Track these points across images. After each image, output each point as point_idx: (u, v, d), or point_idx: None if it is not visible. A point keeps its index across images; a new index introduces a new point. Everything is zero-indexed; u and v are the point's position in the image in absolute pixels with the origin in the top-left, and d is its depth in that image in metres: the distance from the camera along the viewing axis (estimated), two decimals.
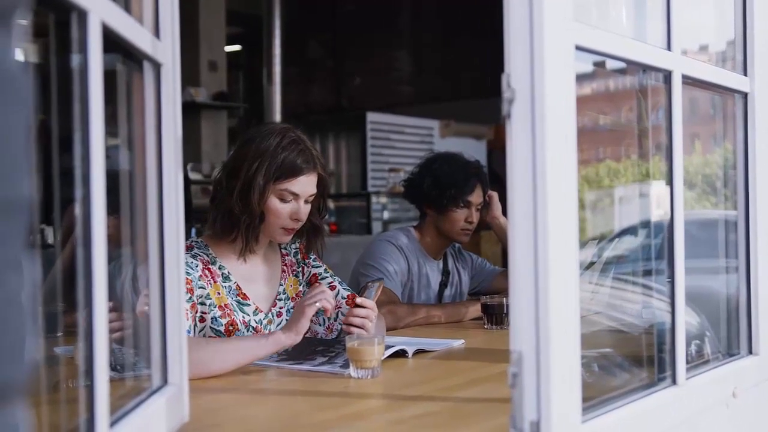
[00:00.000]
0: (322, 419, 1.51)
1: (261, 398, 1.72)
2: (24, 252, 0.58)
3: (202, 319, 2.10)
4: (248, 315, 2.18)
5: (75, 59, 1.00)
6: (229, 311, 2.14)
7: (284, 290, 2.30)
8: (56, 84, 1.06)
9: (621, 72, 1.71)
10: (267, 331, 2.19)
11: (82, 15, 0.98)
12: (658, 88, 1.62)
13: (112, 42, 1.10)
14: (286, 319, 2.24)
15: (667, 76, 1.50)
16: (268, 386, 1.77)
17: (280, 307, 2.28)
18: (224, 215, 2.16)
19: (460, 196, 2.92)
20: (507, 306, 2.59)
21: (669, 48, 1.50)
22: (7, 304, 0.55)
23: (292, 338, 1.92)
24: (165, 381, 1.36)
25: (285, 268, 2.33)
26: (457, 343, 2.30)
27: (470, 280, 3.18)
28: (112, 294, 1.07)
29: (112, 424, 1.08)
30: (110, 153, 1.09)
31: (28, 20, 0.64)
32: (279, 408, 1.65)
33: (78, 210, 1.00)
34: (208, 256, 2.18)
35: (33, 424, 0.63)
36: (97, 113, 1.01)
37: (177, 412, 1.37)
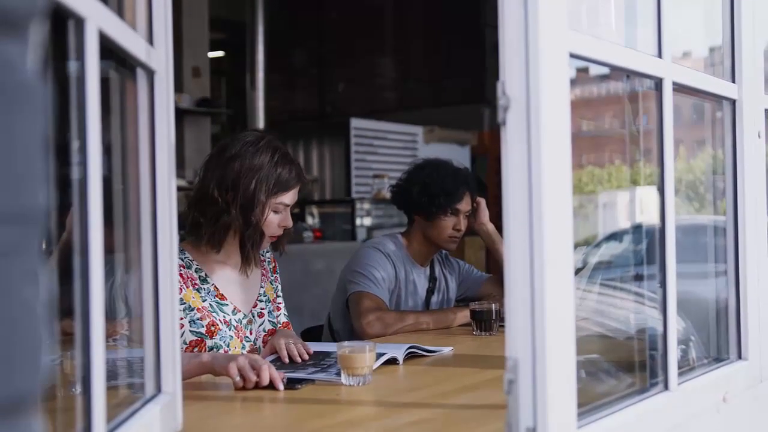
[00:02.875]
0: (316, 427, 1.51)
1: (254, 406, 1.71)
2: (39, 262, 0.57)
3: (180, 326, 2.11)
4: (228, 314, 2.22)
5: (71, 66, 1.00)
6: (207, 313, 2.18)
7: (264, 292, 2.37)
8: (51, 90, 1.06)
9: (605, 78, 1.72)
10: (248, 332, 2.26)
11: (80, 22, 0.98)
12: (642, 94, 1.63)
13: (106, 49, 1.09)
14: (268, 320, 2.33)
15: (658, 83, 1.50)
16: (260, 394, 1.76)
17: (261, 308, 2.34)
18: (222, 230, 2.19)
19: (449, 204, 2.92)
20: (496, 312, 2.60)
21: (660, 55, 1.51)
22: (25, 315, 0.55)
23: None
24: (159, 389, 1.35)
25: (264, 272, 2.40)
26: (447, 350, 2.31)
27: (457, 287, 3.18)
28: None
29: None
30: (102, 159, 1.08)
31: (44, 29, 0.64)
32: (272, 416, 1.64)
33: (75, 217, 1.00)
34: (183, 260, 2.21)
35: None
36: (94, 119, 1.00)
37: (171, 421, 1.36)
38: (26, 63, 0.58)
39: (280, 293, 2.45)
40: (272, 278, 2.42)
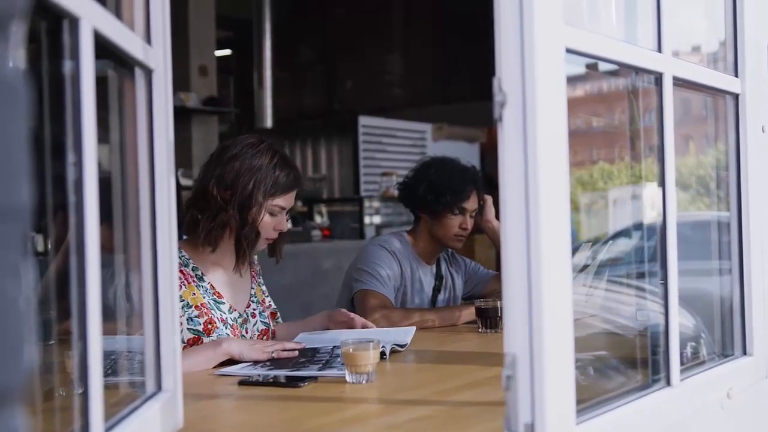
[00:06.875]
0: (318, 424, 1.51)
1: (255, 404, 1.71)
2: (22, 258, 0.58)
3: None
4: (224, 313, 2.27)
5: (66, 65, 1.00)
6: (206, 310, 2.22)
7: (254, 294, 2.42)
8: (47, 90, 1.06)
9: (614, 74, 1.72)
10: (243, 330, 2.31)
11: (74, 21, 0.98)
12: (649, 90, 1.62)
13: (103, 48, 1.10)
14: (260, 321, 2.38)
15: (658, 78, 1.50)
16: (262, 392, 1.76)
17: (253, 309, 2.39)
18: (219, 227, 2.23)
19: (456, 203, 2.91)
20: (501, 309, 2.59)
21: (659, 50, 1.50)
22: (6, 309, 0.56)
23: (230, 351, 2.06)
24: (159, 387, 1.35)
25: (254, 274, 2.45)
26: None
27: (464, 284, 3.18)
28: (105, 301, 1.06)
29: (107, 430, 1.07)
30: (100, 159, 1.08)
31: (25, 27, 0.64)
32: (274, 414, 1.64)
33: (71, 217, 1.00)
34: (180, 258, 2.23)
35: (31, 430, 0.63)
36: (89, 119, 1.00)
37: (171, 419, 1.37)
38: (8, 61, 0.59)
39: (267, 294, 2.50)
40: (260, 281, 2.49)
